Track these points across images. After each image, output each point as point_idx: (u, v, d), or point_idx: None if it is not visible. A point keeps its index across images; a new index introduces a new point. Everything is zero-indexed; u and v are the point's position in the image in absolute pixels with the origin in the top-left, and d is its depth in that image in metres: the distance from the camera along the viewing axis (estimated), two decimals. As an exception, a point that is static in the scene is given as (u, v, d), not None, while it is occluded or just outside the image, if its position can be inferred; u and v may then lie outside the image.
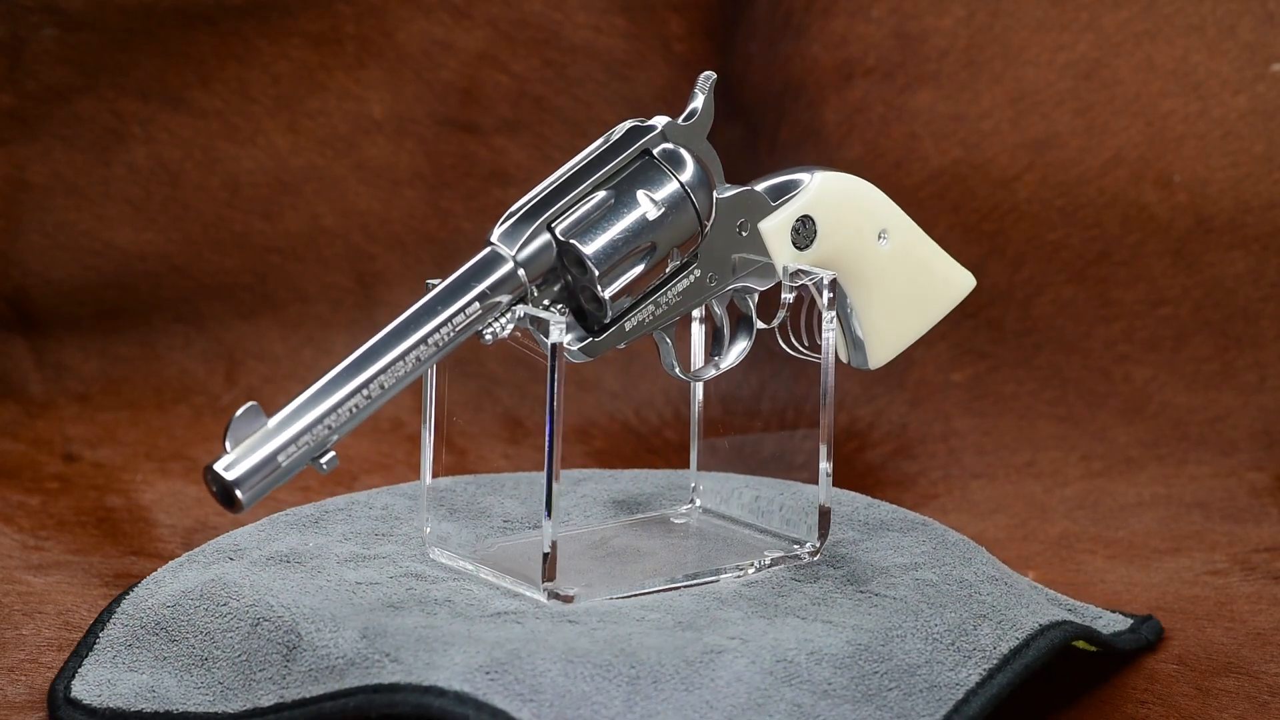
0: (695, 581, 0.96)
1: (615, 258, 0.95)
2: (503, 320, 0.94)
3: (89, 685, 0.96)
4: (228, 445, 0.89)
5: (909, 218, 1.02)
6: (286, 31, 1.41)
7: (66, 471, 1.31)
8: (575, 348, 0.95)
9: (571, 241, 0.94)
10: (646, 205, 0.95)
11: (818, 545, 0.99)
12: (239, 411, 0.90)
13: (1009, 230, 1.41)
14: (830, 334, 0.98)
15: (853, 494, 1.08)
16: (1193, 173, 1.39)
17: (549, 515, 0.93)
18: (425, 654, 0.88)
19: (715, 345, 1.00)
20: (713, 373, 1.00)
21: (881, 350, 1.02)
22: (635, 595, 0.95)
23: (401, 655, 0.88)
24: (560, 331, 0.92)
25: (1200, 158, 1.39)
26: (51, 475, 1.30)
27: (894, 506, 1.06)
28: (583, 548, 1.00)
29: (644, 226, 0.95)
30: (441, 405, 0.99)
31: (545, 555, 0.93)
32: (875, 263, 1.01)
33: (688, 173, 0.96)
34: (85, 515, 1.23)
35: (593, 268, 0.94)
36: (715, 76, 0.99)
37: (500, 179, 1.43)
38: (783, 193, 0.99)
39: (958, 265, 1.04)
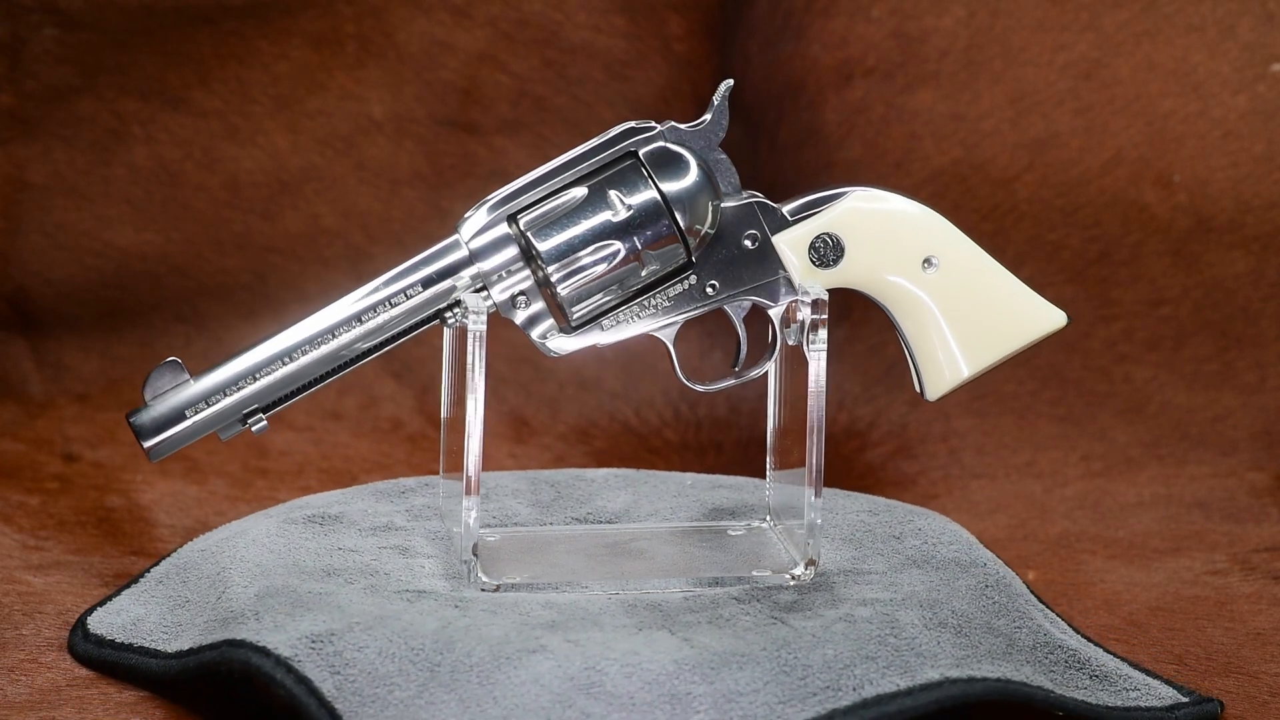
0: (637, 590, 0.95)
1: (572, 255, 0.95)
2: (461, 307, 0.95)
3: (107, 612, 1.00)
4: (145, 396, 0.94)
5: (978, 248, 0.97)
6: (286, 31, 1.40)
7: (66, 471, 1.31)
8: (547, 341, 0.96)
9: (528, 234, 0.94)
10: (616, 206, 0.95)
11: (797, 573, 0.96)
12: (158, 365, 0.94)
13: (1009, 230, 1.41)
14: (817, 359, 0.95)
15: (944, 522, 1.03)
16: (1193, 173, 1.39)
17: (468, 499, 0.93)
18: (283, 617, 0.90)
19: (735, 356, 0.99)
20: (730, 383, 0.99)
21: (937, 381, 0.97)
22: (564, 594, 0.94)
23: (264, 616, 0.90)
24: (479, 321, 0.93)
25: (1200, 158, 1.39)
26: (51, 475, 1.30)
27: (973, 543, 1.01)
28: (594, 545, 1.00)
29: (608, 228, 0.95)
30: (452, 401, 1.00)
31: (468, 544, 0.94)
32: (921, 290, 0.96)
33: (683, 177, 0.96)
34: (85, 515, 1.23)
35: (543, 263, 0.94)
36: (733, 83, 0.98)
37: (500, 179, 1.42)
38: (811, 208, 0.97)
39: (1042, 300, 0.98)
